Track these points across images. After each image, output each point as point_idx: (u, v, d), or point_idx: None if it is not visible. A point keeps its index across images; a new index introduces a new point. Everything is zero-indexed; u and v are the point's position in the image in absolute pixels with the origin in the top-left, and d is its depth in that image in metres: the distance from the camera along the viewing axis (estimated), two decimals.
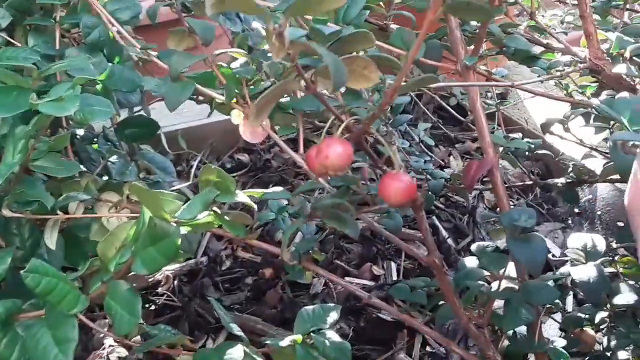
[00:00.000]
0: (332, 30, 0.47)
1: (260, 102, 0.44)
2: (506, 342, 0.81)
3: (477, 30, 0.74)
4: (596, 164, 1.14)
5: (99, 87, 0.88)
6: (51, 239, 0.72)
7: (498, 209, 0.80)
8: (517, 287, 0.75)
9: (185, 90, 0.65)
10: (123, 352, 1.18)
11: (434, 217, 1.56)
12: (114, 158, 0.97)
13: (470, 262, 0.84)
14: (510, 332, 0.79)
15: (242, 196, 0.63)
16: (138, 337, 1.00)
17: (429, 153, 1.48)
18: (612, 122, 0.90)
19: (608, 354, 0.83)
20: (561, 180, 1.13)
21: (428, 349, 1.23)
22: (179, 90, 0.65)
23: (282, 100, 0.66)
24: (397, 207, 0.65)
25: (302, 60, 0.47)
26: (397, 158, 0.53)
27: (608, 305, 0.79)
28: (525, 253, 0.67)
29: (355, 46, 0.47)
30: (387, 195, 0.53)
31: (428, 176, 1.28)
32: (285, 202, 0.95)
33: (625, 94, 0.64)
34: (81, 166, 0.93)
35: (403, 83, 0.46)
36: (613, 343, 0.78)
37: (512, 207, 0.77)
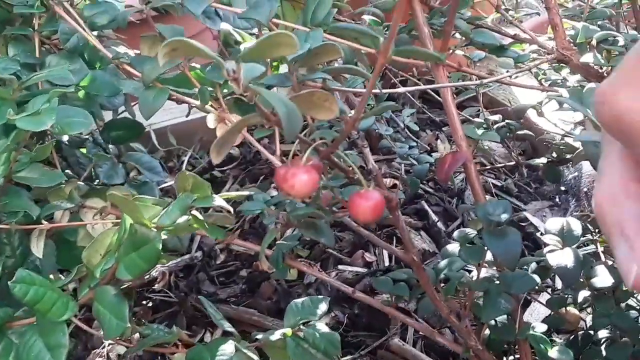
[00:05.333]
0: (296, 55, 0.48)
1: (220, 140, 0.44)
2: (487, 331, 0.82)
3: (445, 26, 0.75)
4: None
5: (80, 93, 0.89)
6: (37, 248, 0.74)
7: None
8: (496, 275, 0.76)
9: (159, 97, 0.66)
10: (123, 349, 1.19)
11: (423, 202, 1.58)
12: (101, 161, 0.97)
13: (454, 248, 0.85)
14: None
15: (219, 200, 0.64)
16: (137, 335, 1.01)
17: (414, 138, 1.49)
18: None
19: (591, 332, 0.85)
20: (542, 160, 1.14)
21: (422, 332, 1.24)
22: (152, 98, 0.66)
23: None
24: (367, 223, 0.66)
25: (269, 81, 0.48)
26: (362, 176, 0.54)
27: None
28: (500, 247, 0.68)
29: (323, 58, 0.47)
30: (356, 214, 0.54)
31: (413, 161, 1.29)
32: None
33: (592, 84, 0.64)
34: (68, 171, 0.94)
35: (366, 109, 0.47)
36: (593, 322, 0.80)
37: (488, 199, 0.78)
